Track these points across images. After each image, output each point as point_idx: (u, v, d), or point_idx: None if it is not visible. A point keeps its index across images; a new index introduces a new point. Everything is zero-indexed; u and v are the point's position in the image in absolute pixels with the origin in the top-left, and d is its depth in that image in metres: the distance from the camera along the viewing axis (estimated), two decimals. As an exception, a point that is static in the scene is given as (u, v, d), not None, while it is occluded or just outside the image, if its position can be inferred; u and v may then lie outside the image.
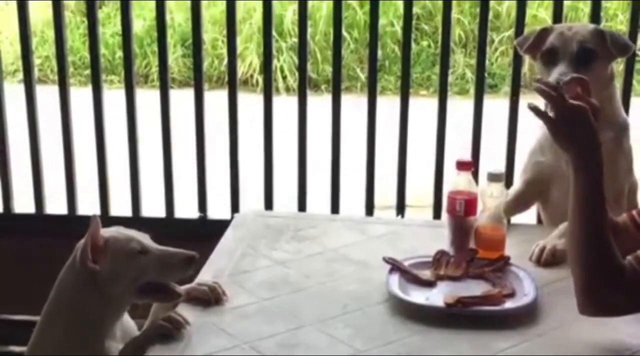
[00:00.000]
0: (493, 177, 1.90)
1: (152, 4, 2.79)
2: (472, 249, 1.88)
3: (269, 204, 2.82)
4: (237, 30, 2.77)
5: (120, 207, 2.96)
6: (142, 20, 6.94)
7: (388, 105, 2.92)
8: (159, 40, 2.80)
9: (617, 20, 6.79)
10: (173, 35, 6.92)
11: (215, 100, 2.84)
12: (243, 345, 1.54)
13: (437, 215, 2.75)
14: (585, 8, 5.92)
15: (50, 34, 6.91)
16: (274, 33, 2.76)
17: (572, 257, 1.55)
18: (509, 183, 2.39)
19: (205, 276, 1.78)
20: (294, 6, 6.54)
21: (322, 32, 6.96)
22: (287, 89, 6.70)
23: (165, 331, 1.55)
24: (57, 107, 2.83)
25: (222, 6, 6.76)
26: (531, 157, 2.16)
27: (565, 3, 3.27)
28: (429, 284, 1.77)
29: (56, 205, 3.04)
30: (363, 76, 6.89)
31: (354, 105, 2.95)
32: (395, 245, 2.02)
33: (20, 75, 6.53)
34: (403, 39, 2.74)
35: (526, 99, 2.62)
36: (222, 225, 2.19)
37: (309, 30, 2.77)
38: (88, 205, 3.03)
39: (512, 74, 2.74)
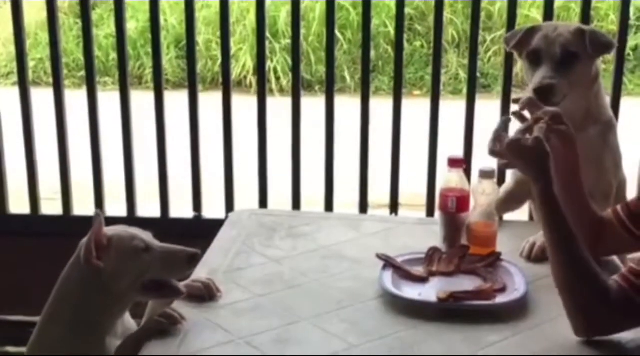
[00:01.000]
0: (485, 174, 1.93)
1: (146, 6, 2.81)
2: (464, 245, 1.90)
3: (263, 203, 2.84)
4: (230, 31, 2.79)
5: (116, 207, 2.98)
6: (135, 21, 6.95)
7: (382, 106, 2.94)
8: (153, 41, 2.83)
9: (609, 20, 6.83)
10: (167, 36, 6.93)
11: (209, 101, 2.86)
12: (238, 340, 1.56)
13: (430, 212, 2.78)
14: (577, 8, 5.96)
15: (44, 36, 6.94)
16: (267, 34, 2.78)
17: (557, 284, 1.59)
18: (500, 181, 2.41)
19: (201, 273, 1.80)
20: (288, 7, 6.57)
21: (315, 33, 6.98)
22: (281, 90, 6.73)
23: (161, 327, 1.57)
24: (50, 109, 2.85)
25: (215, 7, 6.79)
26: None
27: (556, 3, 3.31)
28: (421, 280, 1.79)
29: (52, 206, 3.06)
30: (357, 76, 6.92)
31: (347, 105, 2.97)
32: (388, 242, 2.04)
33: (13, 78, 6.56)
34: (396, 40, 2.76)
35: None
36: (217, 225, 2.21)
37: (302, 31, 2.79)
38: (83, 206, 3.06)
39: (504, 74, 2.76)
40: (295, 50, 2.78)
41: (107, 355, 1.59)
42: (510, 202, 2.19)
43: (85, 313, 1.60)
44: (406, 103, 2.75)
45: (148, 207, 3.00)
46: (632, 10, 2.77)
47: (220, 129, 2.81)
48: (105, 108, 2.86)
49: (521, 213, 2.41)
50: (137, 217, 2.90)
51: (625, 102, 2.73)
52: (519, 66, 2.63)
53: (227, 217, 2.31)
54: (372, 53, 2.79)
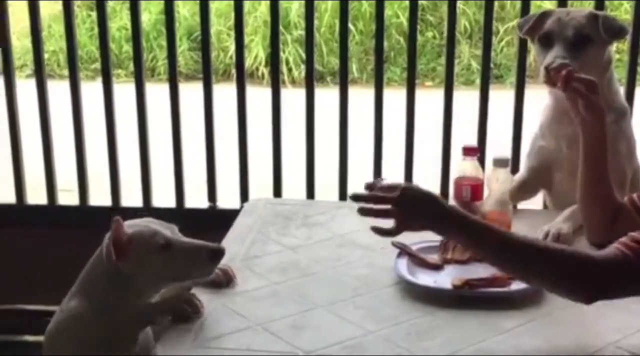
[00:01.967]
0: (499, 163, 1.94)
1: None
2: (479, 233, 1.91)
3: (277, 193, 2.86)
4: (244, 24, 2.81)
5: (132, 198, 3.01)
6: (148, 13, 6.98)
7: (393, 96, 2.95)
8: (167, 33, 2.84)
9: (622, 9, 6.80)
10: (179, 28, 6.95)
11: (221, 93, 2.87)
12: (256, 326, 1.58)
13: (443, 201, 2.78)
14: (590, -2, 5.94)
15: (57, 28, 6.98)
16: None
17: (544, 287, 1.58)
18: (514, 170, 2.42)
19: (218, 261, 1.82)
20: (299, -1, 6.59)
21: (327, 24, 7.00)
22: (293, 81, 6.74)
23: (184, 313, 1.57)
24: (64, 102, 2.87)
25: (227, -1, 6.81)
26: (534, 143, 2.20)
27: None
28: (436, 267, 1.81)
29: (68, 198, 3.09)
30: (369, 67, 6.92)
31: (358, 96, 2.98)
32: (403, 231, 2.05)
33: (27, 70, 6.60)
34: (409, 32, 2.76)
35: (531, 89, 2.67)
36: (231, 214, 2.23)
37: (314, 22, 2.80)
38: (100, 197, 3.09)
39: (518, 65, 2.76)
40: (308, 41, 2.79)
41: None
42: (524, 190, 2.20)
43: (107, 303, 1.58)
44: (418, 94, 2.75)
45: (163, 197, 3.02)
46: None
47: (232, 121, 2.83)
48: (117, 100, 2.88)
49: (535, 202, 2.41)
50: (153, 207, 2.92)
51: (638, 92, 2.73)
52: (532, 56, 2.63)
53: (241, 207, 2.33)
54: (385, 44, 2.79)
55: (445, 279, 1.75)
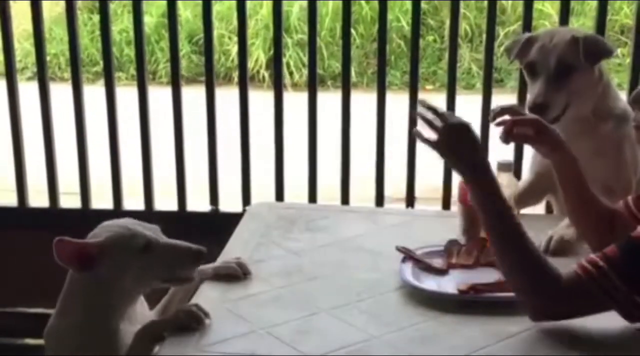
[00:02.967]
0: (502, 167, 1.93)
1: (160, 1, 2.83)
2: (483, 238, 1.90)
3: (280, 197, 2.85)
4: (247, 28, 2.81)
5: (134, 201, 3.00)
6: (150, 16, 6.98)
7: (394, 100, 2.94)
8: (170, 37, 2.84)
9: (622, 13, 6.81)
10: (180, 31, 6.95)
11: (222, 96, 2.87)
12: (259, 330, 1.57)
13: (446, 205, 2.79)
14: (592, 2, 5.93)
15: (59, 31, 6.98)
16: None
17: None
18: (517, 174, 2.41)
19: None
20: (301, 2, 6.57)
21: (327, 27, 6.99)
22: (294, 85, 6.74)
23: (185, 325, 1.56)
24: (65, 105, 2.86)
25: (228, 2, 6.81)
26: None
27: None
28: (441, 272, 1.80)
29: (70, 201, 3.08)
30: (370, 71, 6.92)
31: (359, 100, 2.98)
32: (406, 235, 2.05)
33: (28, 73, 6.59)
34: (412, 37, 2.76)
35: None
36: (233, 218, 2.23)
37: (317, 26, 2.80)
38: (102, 200, 3.08)
39: (519, 69, 2.75)
40: (311, 45, 2.79)
41: (122, 339, 1.60)
42: (530, 195, 2.19)
43: (99, 297, 1.61)
44: (419, 97, 2.75)
45: (166, 200, 3.02)
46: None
47: (234, 124, 2.82)
48: (119, 104, 2.87)
49: (538, 207, 2.41)
50: (155, 210, 2.92)
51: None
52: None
53: (243, 211, 2.33)
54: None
55: (450, 284, 1.74)
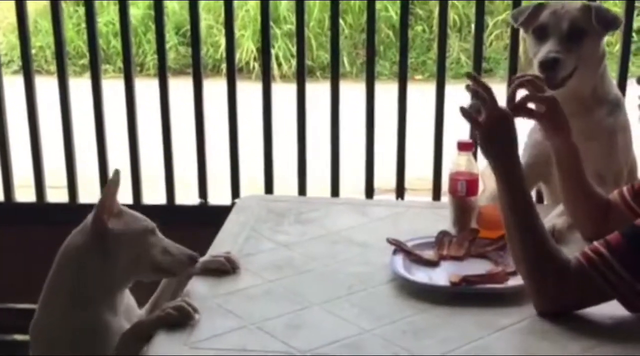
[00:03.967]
0: (462, 146, 1.92)
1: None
2: (474, 229, 1.90)
3: (269, 189, 2.83)
4: (234, 20, 2.78)
5: (121, 194, 2.96)
6: (137, 8, 6.94)
7: (383, 90, 2.93)
8: (156, 29, 2.80)
9: (611, 2, 6.80)
10: (168, 23, 6.91)
11: (211, 88, 2.84)
12: (250, 325, 1.56)
13: (436, 196, 2.78)
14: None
15: (44, 24, 6.92)
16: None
17: (515, 260, 1.60)
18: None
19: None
20: (289, -7, 6.54)
21: (316, 18, 6.97)
22: (283, 76, 6.71)
23: (174, 321, 1.54)
24: (51, 98, 2.83)
25: (216, -7, 6.77)
26: (530, 137, 2.18)
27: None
28: (432, 264, 1.79)
29: (57, 195, 3.05)
30: (358, 62, 6.90)
31: (348, 91, 2.96)
32: (397, 227, 2.04)
33: (14, 66, 6.53)
34: (400, 27, 2.74)
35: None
36: (222, 211, 2.21)
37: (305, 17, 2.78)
38: (88, 194, 3.05)
39: (509, 58, 2.75)
40: (299, 36, 2.76)
41: (106, 330, 1.59)
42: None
43: (83, 285, 1.60)
44: (408, 87, 2.73)
45: (154, 194, 2.99)
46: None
47: (222, 116, 2.80)
48: (105, 97, 2.85)
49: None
50: (143, 204, 2.89)
51: (629, 85, 2.71)
52: (522, 49, 2.61)
53: (232, 204, 2.30)
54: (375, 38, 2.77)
55: (441, 276, 1.73)
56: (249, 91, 3.21)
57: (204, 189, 2.88)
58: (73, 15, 7.15)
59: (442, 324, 1.57)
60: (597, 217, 1.81)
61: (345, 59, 6.90)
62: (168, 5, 6.90)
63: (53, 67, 2.96)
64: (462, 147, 1.93)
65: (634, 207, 1.74)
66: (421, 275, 1.74)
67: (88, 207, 2.36)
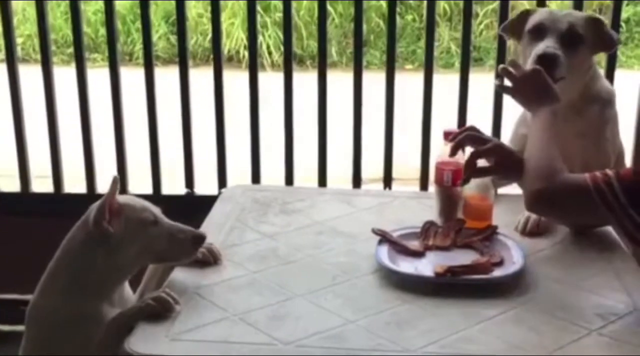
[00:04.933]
0: (448, 135, 1.91)
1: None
2: (460, 219, 1.89)
3: (256, 179, 2.82)
4: (221, 8, 2.75)
5: (106, 184, 2.94)
6: (124, -4, 6.89)
7: (373, 80, 2.91)
8: (142, 17, 2.77)
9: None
10: (156, 10, 6.86)
11: (200, 77, 2.81)
12: (233, 316, 1.54)
13: (423, 186, 2.76)
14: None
15: (32, 12, 6.86)
16: (258, 8, 2.74)
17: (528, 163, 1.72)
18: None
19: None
20: (278, -19, 6.49)
21: (306, 6, 6.93)
22: (273, 65, 6.68)
23: (155, 312, 1.53)
24: (39, 87, 2.80)
25: (205, -18, 6.71)
26: (517, 129, 2.16)
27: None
28: (417, 254, 1.78)
29: (42, 185, 3.03)
30: (348, 51, 6.87)
31: (338, 80, 2.94)
32: (383, 217, 2.03)
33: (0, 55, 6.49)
34: (389, 14, 2.72)
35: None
36: (209, 201, 2.19)
37: (293, 4, 2.75)
38: (74, 184, 3.03)
39: (498, 48, 2.73)
40: (286, 25, 2.74)
41: (101, 320, 1.57)
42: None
43: (84, 277, 1.59)
44: (398, 77, 2.72)
45: (140, 183, 2.97)
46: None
47: (211, 105, 2.77)
48: (94, 85, 2.82)
49: (516, 186, 2.38)
50: (129, 193, 2.86)
51: (617, 75, 2.70)
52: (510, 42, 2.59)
53: (219, 193, 2.29)
54: (364, 27, 2.75)
55: (426, 266, 1.72)
56: (240, 80, 3.18)
57: (191, 179, 2.86)
58: (61, 4, 7.08)
59: (426, 315, 1.56)
60: None
61: (334, 49, 6.87)
62: (157, -6, 6.86)
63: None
64: (448, 136, 1.91)
65: None
66: (406, 266, 1.72)
67: (73, 198, 2.35)
